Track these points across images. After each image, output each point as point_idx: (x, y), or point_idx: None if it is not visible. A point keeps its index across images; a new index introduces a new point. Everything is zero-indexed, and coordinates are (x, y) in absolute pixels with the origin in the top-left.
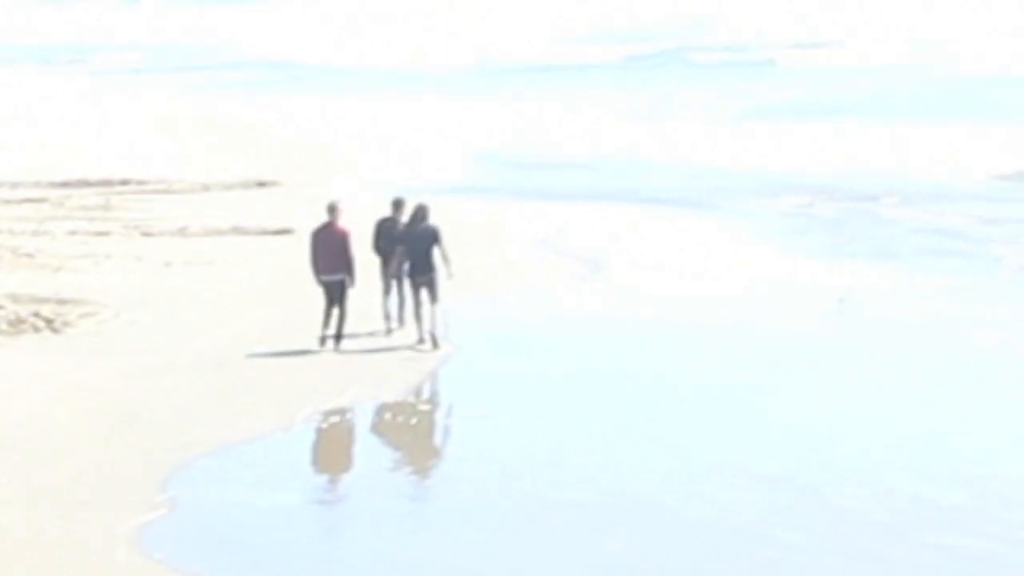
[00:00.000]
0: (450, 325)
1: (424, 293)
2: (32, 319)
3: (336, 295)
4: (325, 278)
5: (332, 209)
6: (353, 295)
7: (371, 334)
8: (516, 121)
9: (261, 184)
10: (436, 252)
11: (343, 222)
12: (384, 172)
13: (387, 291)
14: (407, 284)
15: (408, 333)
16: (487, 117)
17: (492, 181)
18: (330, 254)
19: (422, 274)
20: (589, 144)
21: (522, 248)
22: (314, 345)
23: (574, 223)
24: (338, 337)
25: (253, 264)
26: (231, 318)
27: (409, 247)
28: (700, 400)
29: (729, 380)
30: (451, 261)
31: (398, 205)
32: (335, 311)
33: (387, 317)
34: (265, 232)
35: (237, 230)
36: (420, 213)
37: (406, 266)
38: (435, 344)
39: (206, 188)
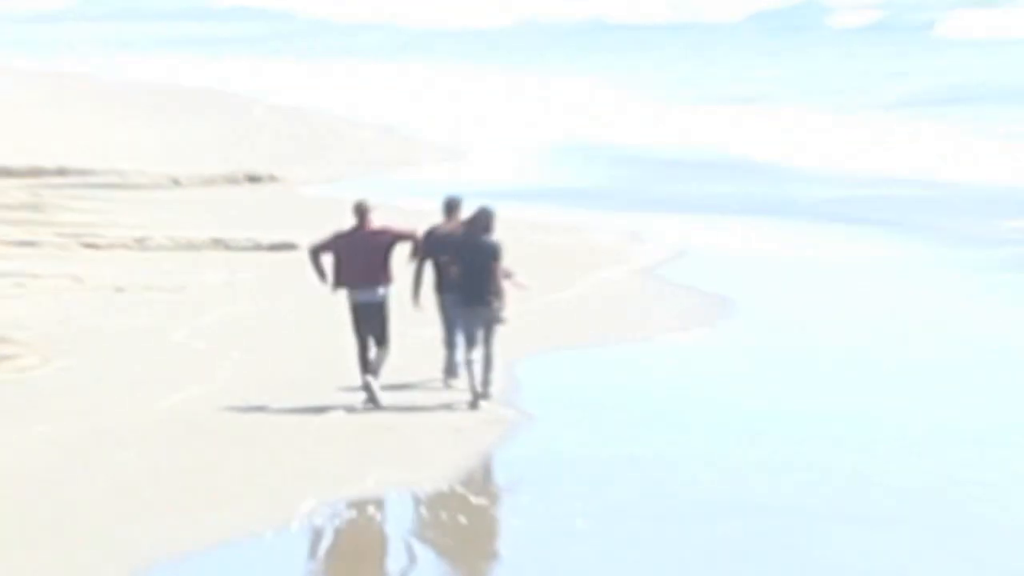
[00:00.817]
0: (490, 381)
1: (481, 327)
2: None
3: (374, 322)
4: (358, 297)
5: (361, 210)
6: (397, 327)
7: (414, 387)
8: (598, 99)
9: (252, 179)
10: (496, 276)
11: (379, 222)
12: (422, 167)
13: (449, 329)
14: (459, 314)
15: (463, 391)
16: (554, 94)
17: (574, 182)
18: (364, 261)
19: (477, 302)
20: (702, 133)
21: (621, 277)
22: (328, 404)
23: (697, 244)
24: (368, 388)
25: (240, 291)
26: (207, 367)
27: (462, 263)
28: (845, 530)
29: (896, 486)
30: (503, 292)
31: (452, 207)
32: (372, 347)
33: (447, 367)
34: (258, 247)
35: (218, 243)
36: (482, 221)
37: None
38: (478, 397)
39: (175, 183)
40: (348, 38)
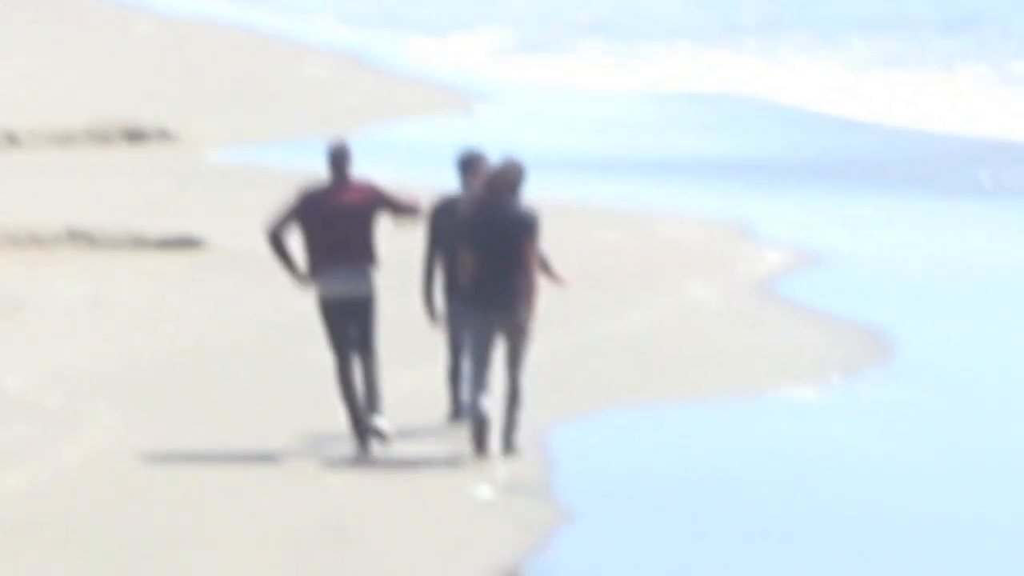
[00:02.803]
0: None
1: (502, 343)
2: None
3: (358, 328)
4: (337, 289)
5: (339, 157)
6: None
7: (417, 434)
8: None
9: (132, 136)
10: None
11: (359, 177)
12: (409, 118)
13: (454, 344)
14: (469, 323)
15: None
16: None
17: (648, 147)
18: (342, 238)
19: (500, 306)
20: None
21: (718, 296)
22: (257, 488)
23: (839, 245)
24: (364, 430)
25: (111, 313)
26: (56, 434)
27: (476, 246)
28: None
29: None
30: (534, 305)
31: (471, 166)
32: (358, 368)
33: (456, 401)
34: (140, 243)
35: (77, 237)
36: (504, 180)
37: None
38: (508, 447)
39: (12, 141)
40: None
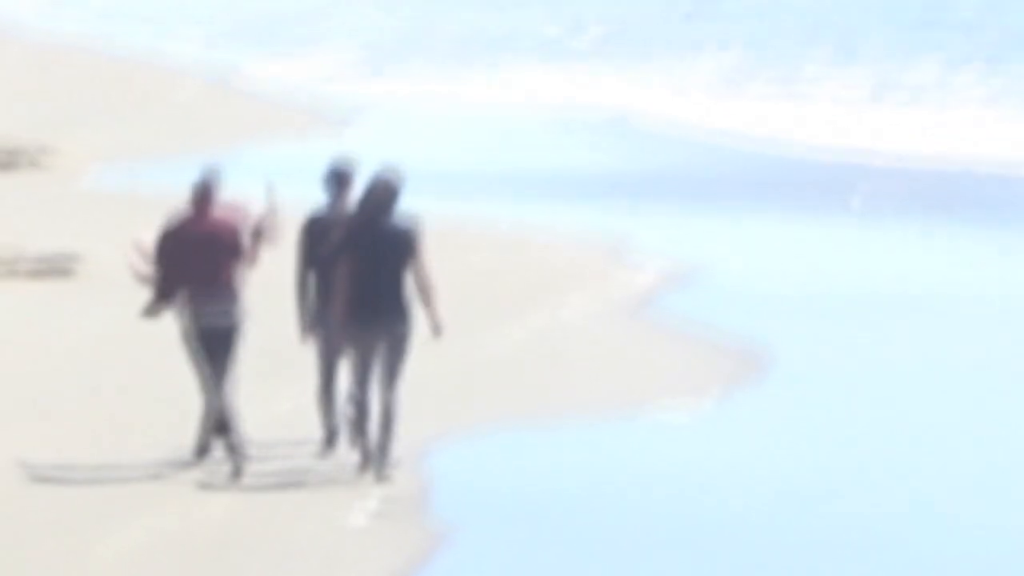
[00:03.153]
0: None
1: (380, 360)
2: None
3: (223, 355)
4: (204, 320)
5: (203, 190)
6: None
7: (293, 456)
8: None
9: (5, 163)
10: (410, 279)
11: (224, 209)
12: (280, 138)
13: (326, 365)
14: (351, 340)
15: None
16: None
17: (520, 164)
18: (207, 268)
19: (381, 322)
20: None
21: (593, 315)
22: (118, 514)
23: (712, 262)
24: (238, 449)
25: None
26: None
27: (360, 260)
28: None
29: None
30: (435, 306)
31: (341, 182)
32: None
33: (329, 426)
34: (13, 268)
35: None
36: (381, 193)
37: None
38: (379, 473)
39: None
40: None
